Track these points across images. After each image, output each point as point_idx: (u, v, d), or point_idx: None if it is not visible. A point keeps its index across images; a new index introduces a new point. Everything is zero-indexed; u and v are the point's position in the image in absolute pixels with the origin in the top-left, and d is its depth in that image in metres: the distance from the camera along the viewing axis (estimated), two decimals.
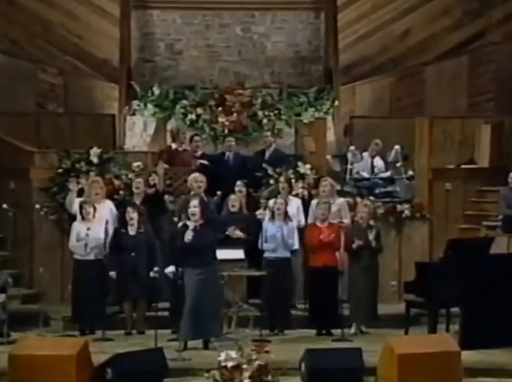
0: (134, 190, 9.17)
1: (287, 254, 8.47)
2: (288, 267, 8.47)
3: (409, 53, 12.69)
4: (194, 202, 7.60)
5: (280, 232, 8.40)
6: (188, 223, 7.61)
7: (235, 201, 8.84)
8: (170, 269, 8.27)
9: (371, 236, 8.48)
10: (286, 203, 8.64)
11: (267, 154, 10.43)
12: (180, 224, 7.78)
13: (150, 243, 8.44)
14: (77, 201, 8.82)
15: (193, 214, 7.56)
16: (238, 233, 8.68)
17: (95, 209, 8.54)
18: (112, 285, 8.42)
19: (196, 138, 10.58)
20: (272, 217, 8.48)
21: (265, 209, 8.29)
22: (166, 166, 9.75)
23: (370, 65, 12.78)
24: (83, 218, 8.54)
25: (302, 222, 9.01)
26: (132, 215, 8.45)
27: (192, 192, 8.76)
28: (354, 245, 8.42)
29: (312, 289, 8.46)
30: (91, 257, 8.41)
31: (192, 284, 7.43)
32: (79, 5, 12.35)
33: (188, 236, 7.49)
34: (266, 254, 8.41)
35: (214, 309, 7.45)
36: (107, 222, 8.40)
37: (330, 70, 12.42)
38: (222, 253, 7.92)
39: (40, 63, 12.14)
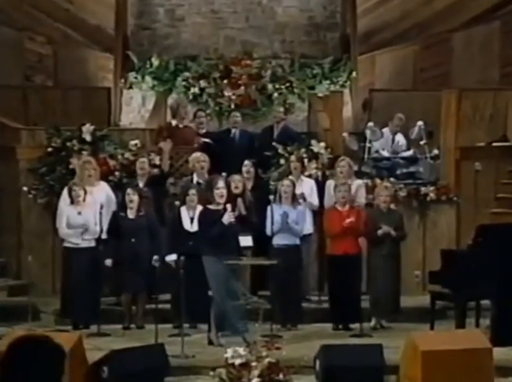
0: (138, 171, 9.16)
1: (296, 241, 8.46)
2: (298, 254, 8.47)
3: (435, 18, 12.59)
4: (221, 183, 7.63)
5: (285, 217, 8.37)
6: (211, 207, 7.61)
7: (239, 182, 8.81)
8: (171, 257, 8.31)
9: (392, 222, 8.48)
10: (294, 185, 8.61)
11: (275, 131, 10.40)
12: (213, 206, 7.79)
13: (152, 228, 8.45)
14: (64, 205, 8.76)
15: (221, 196, 7.59)
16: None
17: (85, 192, 8.54)
18: (108, 274, 8.45)
19: (200, 113, 10.55)
20: (279, 200, 8.46)
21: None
22: (171, 143, 9.71)
23: (392, 32, 12.70)
24: (72, 202, 8.54)
25: (316, 205, 8.99)
26: (133, 197, 8.47)
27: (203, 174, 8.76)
28: (380, 232, 8.40)
29: (332, 280, 8.44)
30: (83, 244, 8.43)
31: (227, 272, 7.47)
32: None
33: (230, 218, 7.50)
34: (273, 242, 8.39)
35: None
36: (101, 206, 8.40)
37: (347, 38, 12.34)
38: None
39: (27, 31, 12.10)
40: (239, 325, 7.49)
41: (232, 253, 7.60)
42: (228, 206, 7.67)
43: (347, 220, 8.29)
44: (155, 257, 8.16)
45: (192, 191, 8.46)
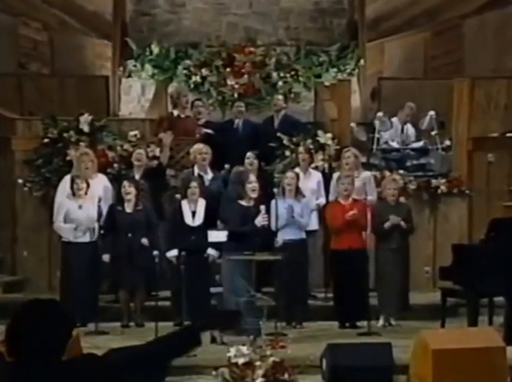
0: (135, 163, 9.17)
1: (301, 235, 8.46)
2: (303, 250, 8.47)
3: (446, 3, 12.56)
4: (252, 177, 7.63)
5: (290, 210, 8.38)
6: (243, 203, 7.61)
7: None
8: (172, 253, 8.31)
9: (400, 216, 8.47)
10: (298, 178, 8.61)
11: (275, 121, 10.39)
12: (245, 202, 7.78)
13: (150, 223, 8.45)
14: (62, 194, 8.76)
15: (254, 190, 7.59)
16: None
17: (88, 185, 8.55)
18: (106, 270, 8.46)
19: (198, 103, 10.54)
20: (283, 193, 8.46)
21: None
22: (172, 135, 9.71)
23: (401, 18, 12.66)
24: (73, 194, 8.55)
25: (323, 199, 8.99)
26: (129, 189, 8.46)
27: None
28: (386, 225, 8.39)
29: (336, 276, 8.44)
30: (83, 239, 8.44)
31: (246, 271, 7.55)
32: None
33: (264, 221, 7.51)
34: (278, 237, 8.38)
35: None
36: (100, 200, 8.41)
37: (355, 24, 12.30)
38: (221, 235, 8.01)
39: (22, 17, 12.08)
40: (253, 325, 7.49)
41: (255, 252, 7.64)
42: (262, 207, 7.64)
43: (350, 213, 8.28)
44: (155, 252, 8.16)
45: (194, 184, 8.45)
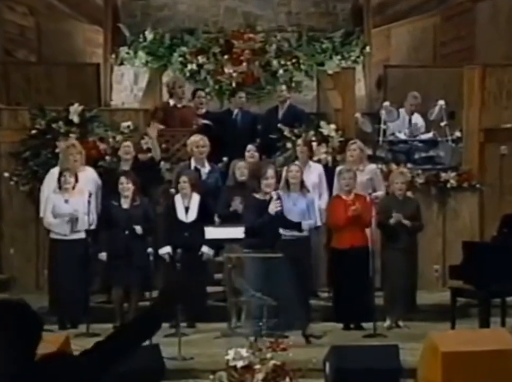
0: (123, 156, 9.16)
1: (305, 232, 8.46)
2: (307, 247, 8.48)
3: None
4: (270, 173, 7.65)
5: (296, 206, 8.37)
6: (258, 196, 7.62)
7: (245, 168, 8.82)
8: (165, 249, 8.31)
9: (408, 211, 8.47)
10: (302, 171, 8.60)
11: (280, 112, 10.39)
12: (260, 196, 7.79)
13: (148, 219, 8.45)
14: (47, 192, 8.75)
15: (270, 186, 7.62)
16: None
17: (76, 179, 8.55)
18: (99, 269, 8.45)
19: (201, 93, 10.55)
20: (287, 187, 8.45)
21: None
22: (161, 126, 9.71)
23: (409, 2, 12.67)
24: (60, 188, 8.54)
25: (325, 194, 8.98)
26: (127, 186, 8.46)
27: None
28: (392, 220, 8.38)
29: (337, 275, 8.45)
30: (73, 235, 8.43)
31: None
32: None
33: (277, 208, 7.49)
34: (281, 233, 8.39)
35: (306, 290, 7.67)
36: (90, 194, 8.41)
37: (360, 9, 12.31)
38: (218, 232, 7.94)
39: (6, 1, 12.06)
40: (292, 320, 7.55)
41: (273, 246, 7.66)
42: (274, 193, 7.68)
43: (353, 208, 8.27)
44: (150, 250, 8.16)
45: (183, 179, 8.45)
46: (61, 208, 8.49)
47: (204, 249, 8.32)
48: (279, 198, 7.65)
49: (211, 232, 8.16)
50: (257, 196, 7.83)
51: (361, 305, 8.20)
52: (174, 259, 8.08)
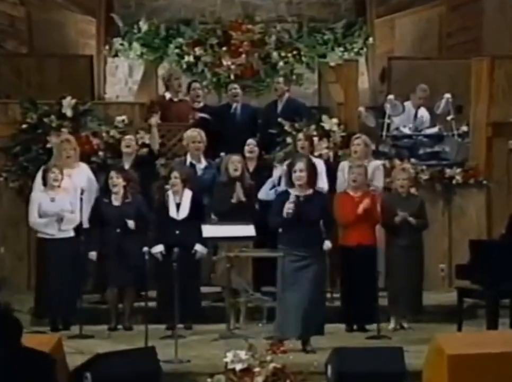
0: (125, 150, 9.15)
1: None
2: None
3: None
4: (300, 165, 7.55)
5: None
6: (291, 191, 7.59)
7: (238, 163, 8.79)
8: (158, 248, 8.32)
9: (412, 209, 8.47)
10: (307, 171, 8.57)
11: (279, 106, 10.38)
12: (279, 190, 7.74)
13: (141, 216, 8.44)
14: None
15: (299, 179, 7.53)
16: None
17: (62, 176, 8.52)
18: (91, 268, 8.45)
19: (196, 85, 10.54)
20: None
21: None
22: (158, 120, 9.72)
23: None
24: (45, 185, 8.52)
25: (325, 190, 8.97)
26: (116, 181, 8.46)
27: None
28: (397, 219, 8.39)
29: (344, 275, 8.44)
30: (60, 234, 8.42)
31: (292, 269, 7.47)
32: None
33: (289, 210, 7.46)
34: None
35: (321, 299, 7.64)
36: (82, 191, 8.40)
37: None
38: (224, 230, 7.94)
39: None
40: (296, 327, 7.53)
41: (312, 246, 7.58)
42: (292, 197, 7.53)
43: (364, 203, 8.25)
44: (145, 249, 8.16)
45: (175, 174, 8.44)
46: (47, 207, 8.45)
47: (198, 247, 8.32)
48: (293, 202, 7.52)
49: (210, 231, 8.16)
50: (291, 190, 7.67)
51: (367, 306, 8.20)
52: (168, 258, 8.06)
